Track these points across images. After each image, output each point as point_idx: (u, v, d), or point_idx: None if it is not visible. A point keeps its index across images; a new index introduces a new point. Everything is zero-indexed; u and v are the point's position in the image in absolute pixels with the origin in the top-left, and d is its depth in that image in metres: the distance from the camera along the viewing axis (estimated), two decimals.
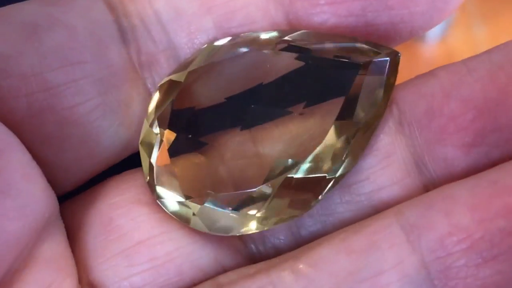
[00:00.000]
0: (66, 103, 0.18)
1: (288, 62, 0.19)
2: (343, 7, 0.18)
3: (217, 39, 0.19)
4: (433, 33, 0.57)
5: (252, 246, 0.19)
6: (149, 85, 0.19)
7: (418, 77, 0.19)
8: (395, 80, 0.19)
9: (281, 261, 0.19)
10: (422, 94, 0.19)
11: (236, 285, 0.18)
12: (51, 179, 0.18)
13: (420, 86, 0.19)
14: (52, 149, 0.18)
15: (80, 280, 0.18)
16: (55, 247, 0.18)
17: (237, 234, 0.19)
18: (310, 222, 0.19)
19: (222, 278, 0.19)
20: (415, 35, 0.19)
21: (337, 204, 0.19)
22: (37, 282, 0.17)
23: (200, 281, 0.19)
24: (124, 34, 0.19)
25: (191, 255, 0.19)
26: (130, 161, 0.20)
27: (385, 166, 0.19)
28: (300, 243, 0.19)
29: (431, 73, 0.19)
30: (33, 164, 0.17)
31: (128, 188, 0.19)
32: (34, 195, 0.17)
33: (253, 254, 0.19)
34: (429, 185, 0.19)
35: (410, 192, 0.19)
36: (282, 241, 0.19)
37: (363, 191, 0.19)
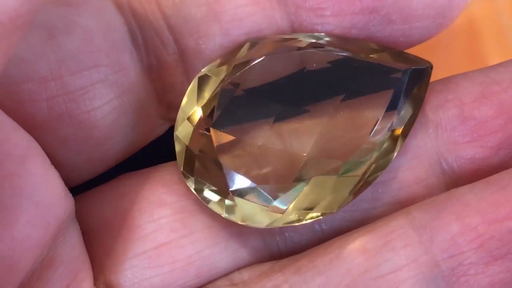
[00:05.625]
0: (85, 107, 0.18)
1: (330, 63, 0.19)
2: (347, 19, 0.19)
3: (223, 47, 0.19)
4: None
5: (273, 243, 0.20)
6: (157, 88, 0.19)
7: (437, 83, 0.20)
8: (426, 89, 0.20)
9: (294, 260, 0.19)
10: (449, 99, 0.20)
11: (250, 283, 0.19)
12: (65, 179, 0.18)
13: (445, 92, 0.20)
14: (69, 151, 0.18)
15: (95, 280, 0.19)
16: (71, 249, 0.18)
17: (269, 227, 0.19)
18: (336, 217, 0.20)
19: (236, 275, 0.19)
20: (412, 46, 0.19)
21: (362, 201, 0.20)
22: (54, 285, 0.17)
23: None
24: (134, 36, 0.19)
25: (210, 258, 0.19)
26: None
27: (412, 166, 0.20)
28: (322, 240, 0.20)
29: (451, 81, 0.20)
30: (52, 169, 0.17)
31: (150, 188, 0.19)
32: (54, 200, 0.17)
33: (273, 253, 0.20)
34: (452, 185, 0.20)
35: (433, 191, 0.20)
36: (303, 235, 0.20)
37: (391, 189, 0.20)
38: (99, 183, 0.20)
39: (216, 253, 0.19)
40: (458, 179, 0.20)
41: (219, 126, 0.19)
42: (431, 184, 0.20)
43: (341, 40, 0.19)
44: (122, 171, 0.20)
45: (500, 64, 0.20)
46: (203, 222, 0.19)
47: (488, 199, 0.18)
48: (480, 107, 0.19)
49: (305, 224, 0.19)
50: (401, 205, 0.19)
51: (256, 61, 0.19)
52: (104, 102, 0.18)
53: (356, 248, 0.19)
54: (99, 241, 0.19)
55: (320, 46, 0.19)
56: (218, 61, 0.19)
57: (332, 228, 0.20)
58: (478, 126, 0.19)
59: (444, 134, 0.19)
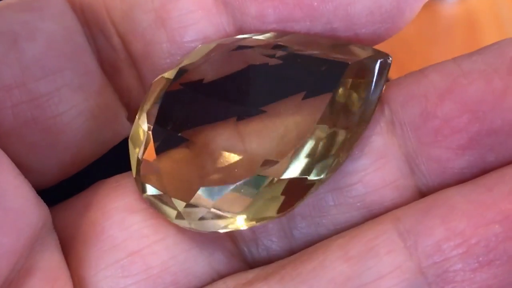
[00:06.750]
0: (50, 112, 0.18)
1: (278, 62, 0.18)
2: (289, 26, 0.19)
3: (171, 53, 0.19)
4: None
5: (245, 248, 0.19)
6: (117, 91, 0.19)
7: (408, 75, 0.19)
8: (384, 82, 0.18)
9: (279, 268, 0.18)
10: (414, 95, 0.18)
11: None
12: (35, 184, 0.18)
13: (412, 86, 0.19)
14: (38, 157, 0.18)
15: None
16: (49, 258, 0.18)
17: (219, 231, 0.18)
18: (303, 224, 0.19)
19: (220, 285, 0.19)
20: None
21: (330, 206, 0.19)
22: None
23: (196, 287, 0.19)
24: (89, 41, 0.19)
25: (186, 263, 0.19)
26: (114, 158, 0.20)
27: (378, 167, 0.19)
28: (293, 245, 0.19)
29: (422, 73, 0.19)
30: (21, 177, 0.17)
31: (120, 195, 0.19)
32: (25, 208, 0.17)
33: (246, 257, 0.19)
34: (422, 187, 0.19)
35: (403, 194, 0.19)
36: (275, 242, 0.19)
37: (356, 193, 0.19)
38: (77, 191, 0.20)
39: (191, 257, 0.19)
40: (428, 181, 0.19)
41: (164, 128, 0.18)
42: (401, 186, 0.19)
43: (292, 37, 0.19)
44: (102, 176, 0.20)
45: (477, 51, 0.19)
46: (176, 227, 0.19)
47: (475, 201, 0.17)
48: (444, 103, 0.18)
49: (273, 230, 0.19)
50: (370, 210, 0.19)
51: (202, 63, 0.19)
52: (70, 106, 0.18)
53: (339, 255, 0.18)
54: (75, 252, 0.19)
55: (271, 44, 0.19)
56: (172, 65, 0.19)
57: (304, 235, 0.19)
58: (441, 126, 0.18)
59: (410, 133, 0.18)
